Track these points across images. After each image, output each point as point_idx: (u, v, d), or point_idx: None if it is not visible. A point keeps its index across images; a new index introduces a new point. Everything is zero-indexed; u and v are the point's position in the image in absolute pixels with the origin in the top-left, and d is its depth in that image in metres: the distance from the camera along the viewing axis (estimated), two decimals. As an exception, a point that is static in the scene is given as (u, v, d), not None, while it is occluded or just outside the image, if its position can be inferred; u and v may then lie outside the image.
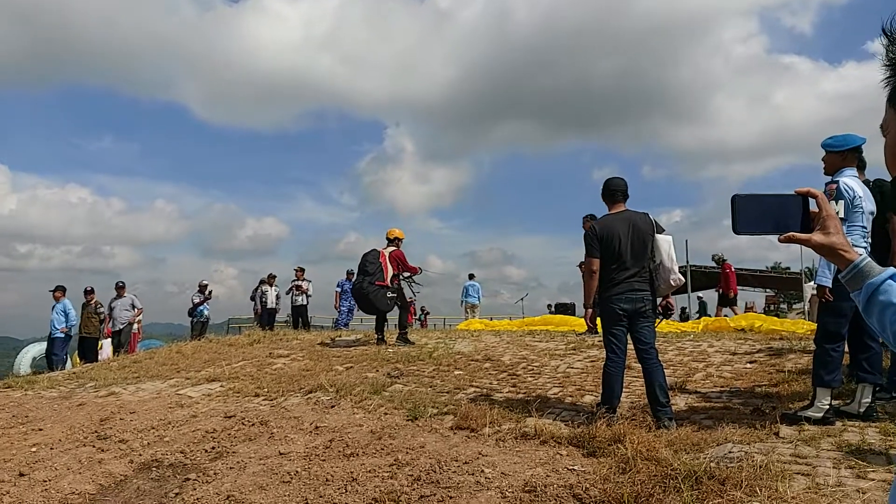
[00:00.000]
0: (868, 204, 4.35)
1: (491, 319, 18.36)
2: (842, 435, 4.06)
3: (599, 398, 5.00)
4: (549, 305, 21.68)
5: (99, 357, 13.22)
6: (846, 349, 4.59)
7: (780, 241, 1.19)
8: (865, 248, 4.30)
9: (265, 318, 16.26)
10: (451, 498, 3.51)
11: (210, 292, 16.32)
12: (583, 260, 9.83)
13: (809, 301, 13.96)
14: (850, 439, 3.95)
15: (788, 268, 39.47)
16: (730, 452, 3.86)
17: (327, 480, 3.90)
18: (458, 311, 20.78)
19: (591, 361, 7.03)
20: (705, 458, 3.71)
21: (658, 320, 5.04)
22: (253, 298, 16.85)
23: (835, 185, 4.30)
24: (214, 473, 4.22)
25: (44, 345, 14.28)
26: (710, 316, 16.28)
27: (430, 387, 6.28)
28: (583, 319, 10.11)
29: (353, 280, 8.98)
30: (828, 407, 4.33)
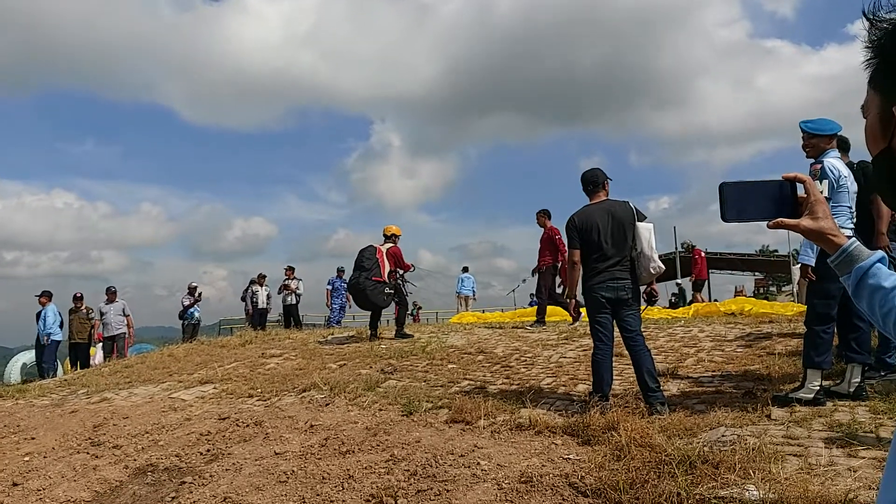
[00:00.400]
0: (852, 185, 4.40)
1: (483, 312, 18.38)
2: (833, 415, 4.11)
3: (591, 387, 5.04)
4: (532, 295, 21.92)
5: (91, 363, 13.14)
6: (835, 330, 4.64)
7: (768, 227, 1.19)
8: (852, 229, 4.35)
9: (256, 318, 16.21)
10: (447, 491, 3.52)
11: (200, 294, 16.25)
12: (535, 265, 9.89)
13: (798, 283, 14.12)
14: (841, 419, 3.99)
15: (776, 251, 39.77)
16: (723, 436, 3.89)
17: (324, 478, 3.90)
18: (450, 305, 20.86)
19: (584, 350, 7.05)
20: (699, 443, 3.75)
21: (643, 307, 5.09)
22: (243, 299, 16.79)
23: (819, 166, 4.34)
24: (210, 476, 4.21)
25: (34, 353, 14.16)
26: (687, 302, 16.85)
27: (424, 381, 6.29)
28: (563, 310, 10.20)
29: (350, 276, 8.96)
30: (818, 388, 4.38)
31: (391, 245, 9.39)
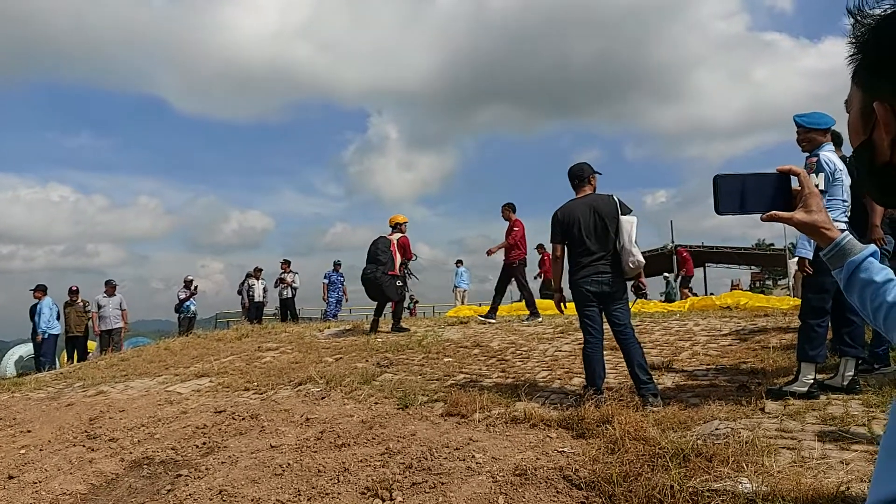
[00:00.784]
0: (847, 178, 4.41)
1: (480, 305, 18.41)
2: (826, 408, 4.13)
3: (585, 380, 5.07)
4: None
5: (89, 356, 13.13)
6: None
7: (762, 219, 1.19)
8: (846, 222, 4.36)
9: (253, 311, 16.21)
10: (442, 484, 3.53)
11: (196, 287, 16.24)
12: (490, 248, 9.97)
13: (794, 277, 14.23)
14: (834, 412, 4.01)
15: (773, 244, 39.83)
16: (716, 429, 3.91)
17: (319, 471, 3.91)
18: (447, 299, 20.96)
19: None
20: (692, 436, 3.76)
21: (632, 301, 5.12)
22: (240, 292, 16.79)
23: (815, 159, 4.36)
24: (206, 469, 4.22)
25: (30, 346, 14.12)
26: (672, 299, 17.60)
27: (420, 375, 6.30)
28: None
29: (365, 267, 9.07)
30: (812, 381, 4.40)
31: (400, 235, 9.50)
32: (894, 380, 4.76)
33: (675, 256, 19.23)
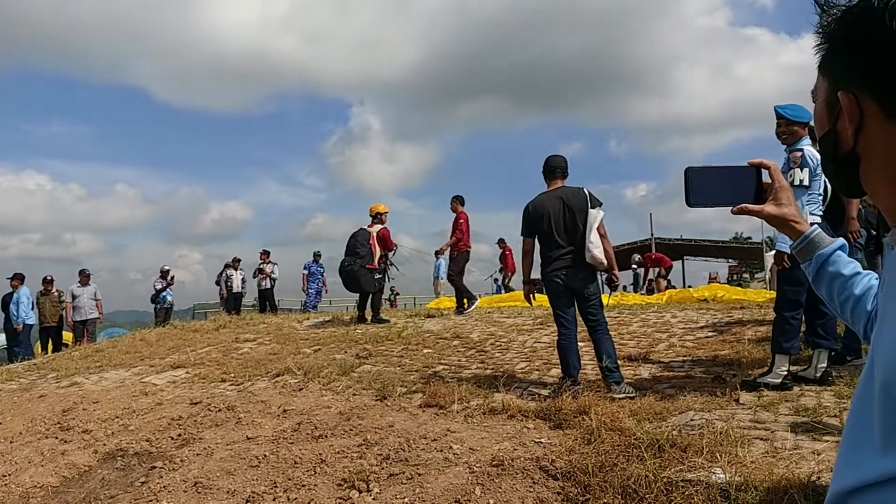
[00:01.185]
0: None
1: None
2: (799, 399, 4.19)
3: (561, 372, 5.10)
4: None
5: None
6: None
7: (732, 212, 1.19)
8: (820, 216, 4.40)
9: (231, 302, 16.07)
10: (419, 475, 3.53)
11: (172, 277, 16.07)
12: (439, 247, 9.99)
13: (770, 270, 14.46)
14: (807, 403, 4.07)
15: (750, 238, 40.35)
16: (691, 420, 3.95)
17: (296, 463, 3.89)
18: (428, 290, 21.00)
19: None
20: (667, 427, 3.80)
21: (607, 294, 5.16)
22: (218, 283, 16.63)
23: (800, 153, 4.37)
24: (181, 460, 4.18)
25: (2, 336, 13.89)
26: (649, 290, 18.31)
27: (399, 366, 6.29)
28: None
29: (343, 259, 9.09)
30: (786, 373, 4.46)
31: (380, 227, 9.49)
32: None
33: (645, 266, 20.21)
